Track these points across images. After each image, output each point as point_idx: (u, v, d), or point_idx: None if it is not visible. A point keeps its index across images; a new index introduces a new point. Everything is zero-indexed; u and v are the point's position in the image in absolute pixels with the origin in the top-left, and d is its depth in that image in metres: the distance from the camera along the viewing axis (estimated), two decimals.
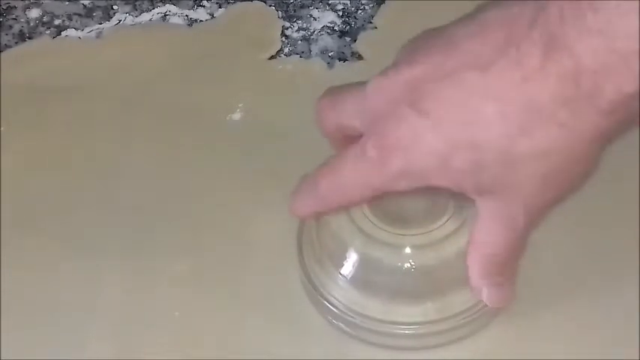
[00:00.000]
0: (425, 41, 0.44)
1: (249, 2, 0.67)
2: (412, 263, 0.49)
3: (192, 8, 0.67)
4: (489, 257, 0.46)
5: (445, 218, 0.49)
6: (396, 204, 0.48)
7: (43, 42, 0.65)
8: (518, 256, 0.48)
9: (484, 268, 0.47)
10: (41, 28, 0.66)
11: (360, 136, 0.45)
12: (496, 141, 0.41)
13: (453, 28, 0.43)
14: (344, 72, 0.63)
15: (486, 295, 0.47)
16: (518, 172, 0.42)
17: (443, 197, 0.48)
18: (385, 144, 0.43)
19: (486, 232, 0.46)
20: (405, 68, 0.43)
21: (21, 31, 0.66)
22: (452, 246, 0.48)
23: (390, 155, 0.43)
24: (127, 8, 0.67)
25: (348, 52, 0.64)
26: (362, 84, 0.46)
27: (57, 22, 0.66)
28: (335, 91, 0.48)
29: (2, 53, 0.64)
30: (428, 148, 0.42)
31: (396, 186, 0.44)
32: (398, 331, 0.49)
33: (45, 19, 0.67)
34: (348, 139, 0.47)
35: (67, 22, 0.66)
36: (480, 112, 0.41)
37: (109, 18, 0.67)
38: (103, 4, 0.67)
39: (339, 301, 0.50)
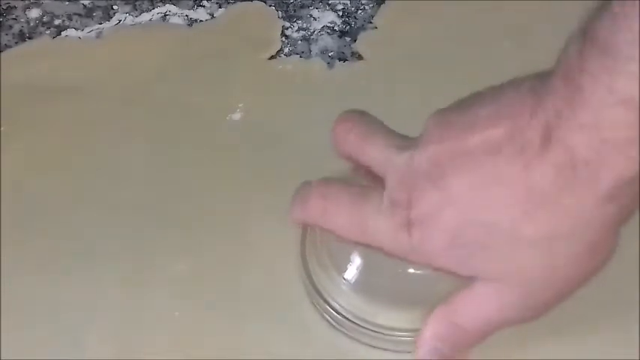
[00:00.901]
0: (452, 116, 0.45)
1: (249, 2, 0.67)
2: (416, 269, 0.48)
3: (192, 8, 0.67)
4: (457, 330, 0.46)
5: None
6: None
7: (43, 42, 0.65)
8: (481, 342, 0.47)
9: (444, 334, 0.46)
10: (41, 28, 0.66)
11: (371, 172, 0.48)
12: (503, 223, 0.42)
13: (478, 105, 0.44)
14: (344, 72, 0.63)
15: (422, 353, 0.47)
16: (524, 257, 0.43)
17: None
18: (411, 215, 0.44)
19: (472, 308, 0.45)
20: (433, 143, 0.44)
21: (21, 31, 0.66)
22: None
23: (413, 225, 0.44)
24: (127, 8, 0.67)
25: (348, 52, 0.64)
26: (388, 132, 0.48)
27: (57, 22, 0.66)
28: (362, 125, 0.49)
29: (2, 53, 0.64)
30: (444, 224, 0.44)
31: (404, 256, 0.46)
32: (401, 337, 0.49)
33: (45, 19, 0.67)
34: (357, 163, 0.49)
35: (67, 22, 0.66)
36: (490, 195, 0.42)
37: (109, 18, 0.67)
38: (103, 4, 0.67)
39: (341, 306, 0.50)
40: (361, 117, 0.50)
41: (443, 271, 0.45)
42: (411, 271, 0.48)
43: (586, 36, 0.39)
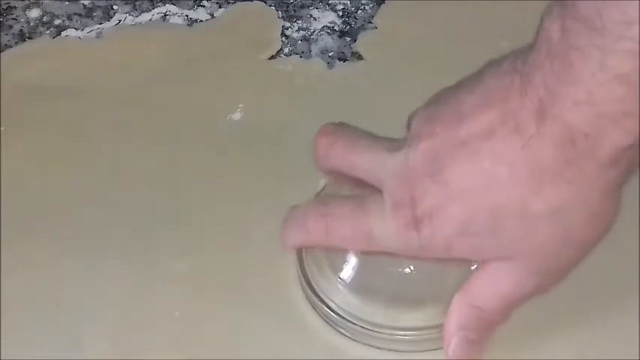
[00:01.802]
0: (438, 109, 0.45)
1: (249, 2, 0.67)
2: (412, 268, 0.49)
3: (192, 8, 0.67)
4: (478, 312, 0.46)
5: None
6: None
7: (43, 42, 0.65)
8: (505, 320, 0.47)
9: (467, 320, 0.47)
10: (41, 28, 0.66)
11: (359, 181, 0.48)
12: (512, 203, 0.42)
13: (462, 93, 0.45)
14: (344, 72, 0.63)
15: (453, 346, 0.47)
16: (537, 233, 0.43)
17: None
18: (417, 214, 0.44)
19: (488, 287, 0.46)
20: (425, 139, 0.44)
21: (21, 31, 0.66)
22: None
23: (420, 223, 0.44)
24: (127, 8, 0.67)
25: (348, 52, 0.64)
26: (372, 139, 0.48)
27: (57, 22, 0.66)
28: (344, 138, 0.49)
29: (2, 53, 0.64)
30: (450, 218, 0.44)
31: (416, 254, 0.46)
32: (398, 336, 0.49)
33: (45, 19, 0.67)
34: (342, 175, 0.49)
35: (67, 22, 0.66)
36: (494, 177, 0.42)
37: (109, 18, 0.67)
38: (103, 4, 0.67)
39: (338, 306, 0.50)
40: (342, 129, 0.50)
41: (456, 261, 0.46)
42: (407, 270, 0.48)
43: (567, 11, 0.39)
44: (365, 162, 0.47)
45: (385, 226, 0.45)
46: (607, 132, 0.40)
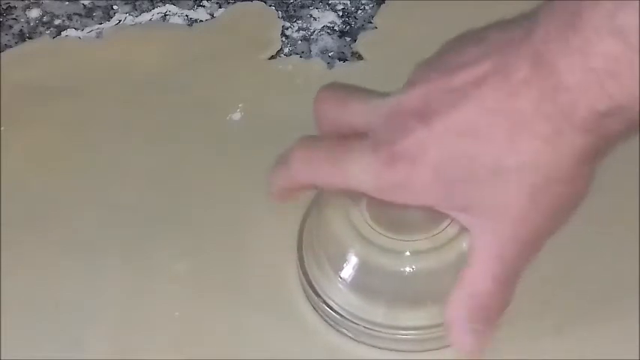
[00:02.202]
0: (438, 60, 0.46)
1: (249, 2, 0.67)
2: (413, 267, 0.49)
3: (192, 8, 0.67)
4: (474, 301, 0.46)
5: (446, 223, 0.48)
6: (396, 210, 0.48)
7: (43, 42, 0.65)
8: (505, 302, 0.46)
9: (468, 311, 0.46)
10: (41, 28, 0.66)
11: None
12: (488, 153, 0.42)
13: (464, 46, 0.45)
14: (344, 72, 0.63)
15: (457, 338, 0.47)
16: (507, 187, 0.43)
17: None
18: (396, 151, 0.44)
19: (475, 271, 0.45)
20: (420, 84, 0.45)
21: (21, 31, 0.66)
22: (453, 250, 0.48)
23: (397, 163, 0.44)
24: (127, 8, 0.67)
25: (348, 52, 0.64)
26: (367, 91, 0.48)
27: (57, 22, 0.66)
28: (339, 90, 0.49)
29: (2, 53, 0.64)
30: (429, 160, 0.44)
31: (390, 194, 0.46)
32: (400, 335, 0.49)
33: (45, 19, 0.67)
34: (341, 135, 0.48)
35: (67, 22, 0.66)
36: (475, 125, 0.43)
37: (109, 18, 0.67)
38: (103, 4, 0.67)
39: (338, 305, 0.50)
40: (338, 84, 0.50)
41: (428, 209, 0.46)
42: (408, 269, 0.48)
43: None
44: (358, 106, 0.47)
45: (363, 163, 0.45)
46: (587, 90, 0.40)
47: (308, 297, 0.52)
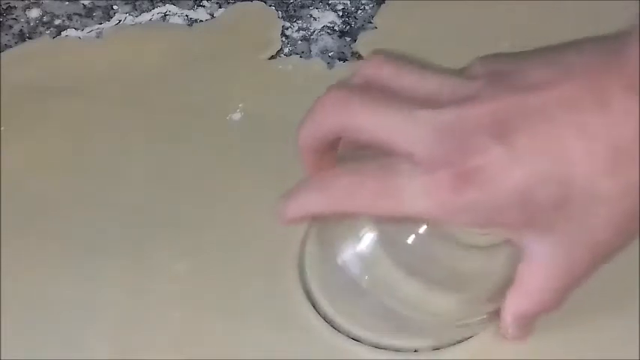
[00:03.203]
0: (512, 70, 0.43)
1: (249, 2, 0.67)
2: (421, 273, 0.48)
3: (192, 8, 0.67)
4: (536, 306, 0.46)
5: None
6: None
7: (43, 42, 0.65)
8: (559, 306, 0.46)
9: (524, 312, 0.46)
10: (41, 28, 0.66)
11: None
12: (582, 178, 0.41)
13: (536, 64, 0.43)
14: (344, 72, 0.63)
15: (511, 332, 0.47)
16: (598, 212, 0.42)
17: None
18: (463, 172, 0.42)
19: (539, 277, 0.45)
20: (489, 100, 0.42)
21: (21, 31, 0.66)
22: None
23: (465, 185, 0.42)
24: (127, 8, 0.67)
25: (348, 52, 0.64)
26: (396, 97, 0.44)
27: (57, 22, 0.66)
28: (369, 96, 0.44)
29: (2, 53, 0.64)
30: (513, 182, 0.42)
31: (455, 217, 0.43)
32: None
33: (45, 19, 0.67)
34: (323, 153, 0.46)
35: (67, 22, 0.66)
36: (569, 149, 0.41)
37: (109, 18, 0.67)
38: (103, 4, 0.67)
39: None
40: (349, 89, 0.46)
41: (498, 229, 0.44)
42: (408, 273, 0.48)
43: None
44: (389, 120, 0.43)
45: (418, 187, 0.42)
46: None
47: (308, 297, 0.52)
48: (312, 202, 0.46)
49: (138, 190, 0.57)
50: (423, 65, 0.45)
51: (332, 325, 0.51)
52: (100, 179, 0.58)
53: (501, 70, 0.43)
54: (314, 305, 0.52)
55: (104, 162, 0.59)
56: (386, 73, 0.45)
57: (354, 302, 0.50)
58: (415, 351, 0.50)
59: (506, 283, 0.46)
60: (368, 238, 0.47)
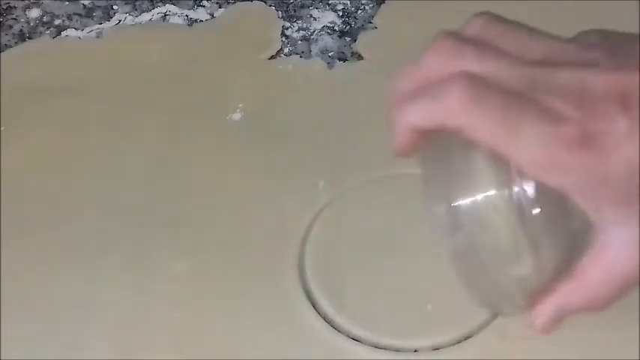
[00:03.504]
0: (620, 49, 0.42)
1: (249, 2, 0.67)
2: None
3: (192, 8, 0.67)
4: (585, 304, 0.44)
5: None
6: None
7: (43, 42, 0.65)
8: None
9: (570, 306, 0.44)
10: (41, 28, 0.66)
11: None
12: None
13: (628, 46, 0.42)
14: (344, 72, 0.63)
15: (543, 323, 0.44)
16: None
17: None
18: (586, 133, 0.40)
19: (604, 267, 0.42)
20: (614, 70, 0.41)
21: (21, 31, 0.66)
22: None
23: (583, 145, 0.40)
24: (127, 8, 0.67)
25: (348, 52, 0.64)
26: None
27: (57, 22, 0.66)
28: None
29: (2, 53, 0.64)
30: (628, 155, 0.40)
31: (555, 175, 0.40)
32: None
33: (45, 19, 0.67)
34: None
35: (67, 22, 0.66)
36: None
37: (109, 18, 0.67)
38: (103, 4, 0.67)
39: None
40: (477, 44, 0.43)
41: (587, 202, 0.41)
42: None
43: None
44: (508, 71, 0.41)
45: (539, 131, 0.40)
46: None
47: (308, 297, 0.52)
48: (424, 111, 0.42)
49: (138, 190, 0.57)
50: (530, 28, 0.44)
51: (332, 325, 0.51)
52: (100, 179, 0.58)
53: (617, 46, 0.42)
54: (314, 305, 0.52)
55: (104, 162, 0.59)
56: (493, 33, 0.44)
57: (355, 302, 0.50)
58: (415, 351, 0.50)
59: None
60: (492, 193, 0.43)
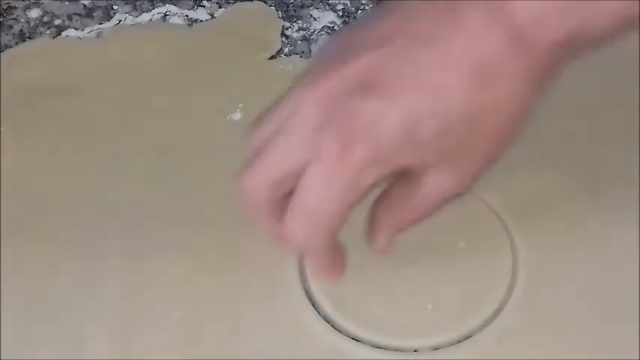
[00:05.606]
0: (352, 40, 0.44)
1: (249, 2, 0.67)
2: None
3: (192, 8, 0.67)
4: (410, 223, 0.46)
5: None
6: None
7: (43, 42, 0.65)
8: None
9: (400, 226, 0.46)
10: (41, 28, 0.66)
11: None
12: (458, 104, 0.42)
13: (374, 24, 0.44)
14: None
15: (382, 244, 0.46)
16: (478, 129, 0.43)
17: None
18: (344, 136, 0.42)
19: (427, 199, 0.44)
20: (349, 64, 0.43)
21: (21, 31, 0.66)
22: None
23: (352, 144, 0.42)
24: (127, 8, 0.67)
25: None
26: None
27: (57, 22, 0.66)
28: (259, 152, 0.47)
29: (2, 53, 0.64)
30: (392, 124, 0.42)
31: (366, 178, 0.43)
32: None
33: (45, 19, 0.67)
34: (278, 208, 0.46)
35: (67, 22, 0.66)
36: (438, 81, 0.42)
37: (109, 18, 0.67)
38: (103, 4, 0.67)
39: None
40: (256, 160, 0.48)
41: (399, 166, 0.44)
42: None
43: None
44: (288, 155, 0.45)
45: (323, 168, 0.43)
46: (543, 24, 0.41)
47: (307, 297, 0.52)
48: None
49: (138, 189, 0.57)
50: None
51: (332, 325, 0.51)
52: (100, 179, 0.58)
53: (341, 46, 0.44)
54: (314, 305, 0.52)
55: (104, 162, 0.59)
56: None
57: (355, 302, 0.50)
58: (415, 351, 0.50)
59: None
60: None
